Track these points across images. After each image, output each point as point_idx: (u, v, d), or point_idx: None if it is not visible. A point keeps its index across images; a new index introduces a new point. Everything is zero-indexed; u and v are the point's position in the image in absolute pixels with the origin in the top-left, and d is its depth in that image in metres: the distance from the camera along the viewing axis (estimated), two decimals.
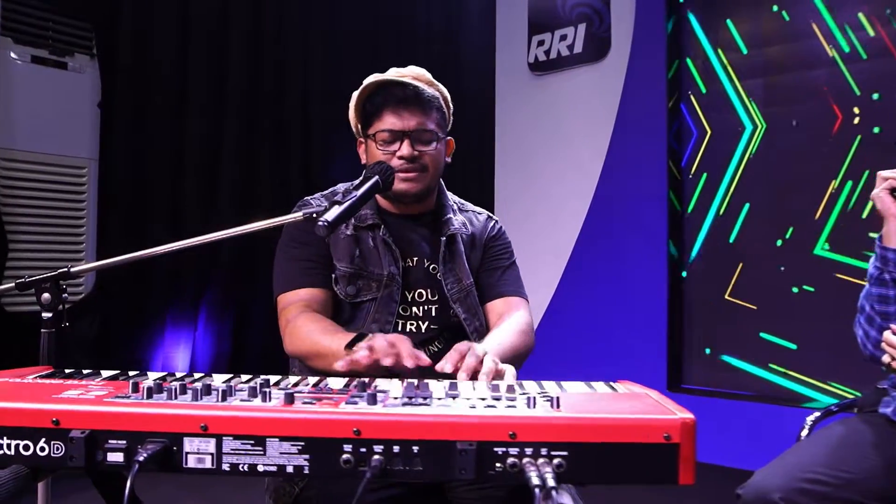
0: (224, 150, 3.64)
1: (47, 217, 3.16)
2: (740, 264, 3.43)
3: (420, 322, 1.47)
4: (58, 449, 0.78)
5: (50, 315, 1.19)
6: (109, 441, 0.77)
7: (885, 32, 2.99)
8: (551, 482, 0.69)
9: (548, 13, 4.11)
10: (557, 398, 0.80)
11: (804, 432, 1.45)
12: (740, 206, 3.43)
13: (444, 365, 1.10)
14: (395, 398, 0.83)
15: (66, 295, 1.22)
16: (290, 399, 0.80)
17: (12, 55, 3.06)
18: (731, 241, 3.46)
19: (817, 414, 1.49)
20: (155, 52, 3.39)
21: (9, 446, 0.78)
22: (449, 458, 0.76)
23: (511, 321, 1.45)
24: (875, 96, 3.01)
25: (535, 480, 0.70)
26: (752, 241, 3.39)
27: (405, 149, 1.42)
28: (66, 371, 1.03)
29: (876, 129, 3.00)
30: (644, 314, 3.63)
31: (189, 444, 0.77)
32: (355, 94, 1.48)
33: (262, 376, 0.98)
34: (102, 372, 1.03)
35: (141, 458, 0.73)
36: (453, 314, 1.49)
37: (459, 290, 1.50)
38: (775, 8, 3.33)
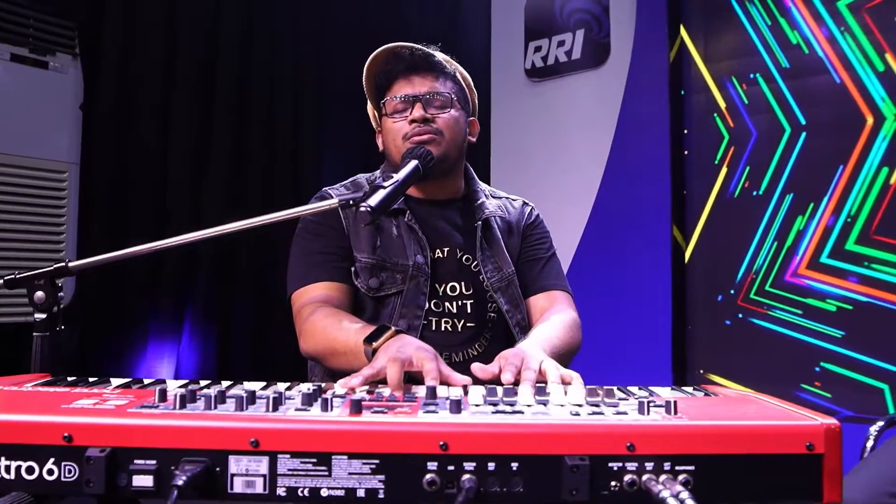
0: (210, 154, 3.49)
1: (25, 223, 2.98)
2: (750, 274, 3.35)
3: (455, 320, 1.32)
4: (70, 471, 0.63)
5: (44, 316, 1.04)
6: (136, 461, 0.62)
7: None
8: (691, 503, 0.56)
9: (545, 19, 4.04)
10: (675, 402, 0.68)
11: (869, 443, 1.33)
12: (751, 212, 3.35)
13: (506, 377, 0.95)
14: (477, 405, 0.70)
15: (62, 294, 1.07)
16: (357, 407, 0.66)
17: None
18: (736, 244, 3.39)
19: (881, 424, 1.38)
20: (140, 53, 3.25)
21: (8, 469, 0.63)
22: (556, 477, 0.62)
23: (557, 316, 1.32)
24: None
25: (672, 502, 0.57)
26: (766, 252, 3.32)
27: (417, 111, 1.31)
28: (69, 378, 0.87)
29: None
30: (647, 317, 3.54)
31: (235, 464, 0.62)
32: (365, 69, 1.36)
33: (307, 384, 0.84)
34: (113, 379, 0.88)
35: (180, 483, 0.58)
36: (492, 308, 1.35)
37: (500, 278, 1.36)
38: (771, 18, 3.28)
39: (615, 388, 0.86)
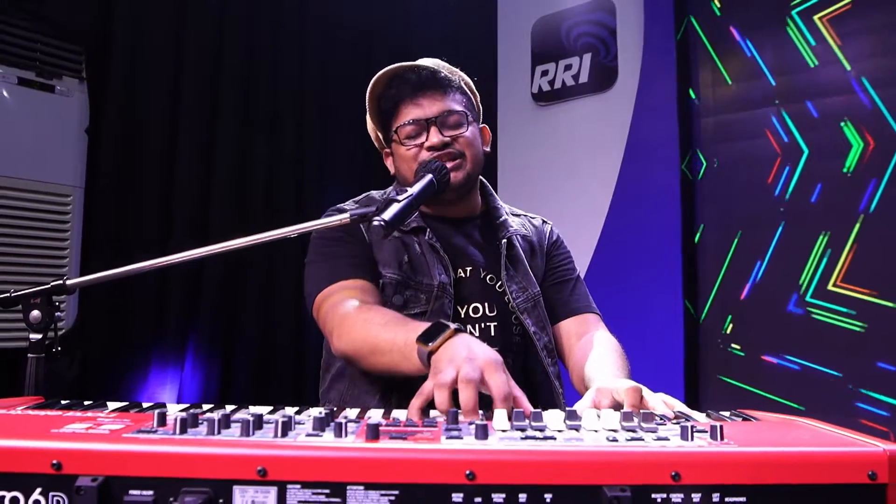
0: (214, 180, 3.47)
1: (28, 247, 2.94)
2: (761, 304, 3.29)
3: None
4: (59, 503, 0.57)
5: (39, 337, 0.99)
6: (131, 491, 0.56)
7: None
8: None
9: (552, 42, 4.04)
10: (721, 427, 0.62)
11: None
12: (763, 240, 3.30)
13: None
14: (504, 430, 0.64)
15: (60, 313, 1.02)
16: (373, 433, 0.60)
17: None
18: (753, 278, 3.33)
19: None
20: (146, 77, 3.24)
21: None
22: None
23: (604, 343, 1.25)
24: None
25: None
26: (775, 273, 3.25)
27: (434, 137, 1.23)
28: (63, 402, 0.82)
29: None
30: (658, 346, 3.46)
31: (241, 496, 0.56)
32: (368, 94, 1.29)
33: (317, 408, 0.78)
34: (110, 403, 0.82)
35: None
36: (517, 331, 1.28)
37: (526, 299, 1.29)
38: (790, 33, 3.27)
39: (651, 411, 0.80)
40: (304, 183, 3.74)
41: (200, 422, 0.63)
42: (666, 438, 0.61)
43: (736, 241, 3.35)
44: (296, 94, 3.74)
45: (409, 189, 1.05)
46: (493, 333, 1.26)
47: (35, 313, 0.99)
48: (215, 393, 3.38)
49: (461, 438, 0.60)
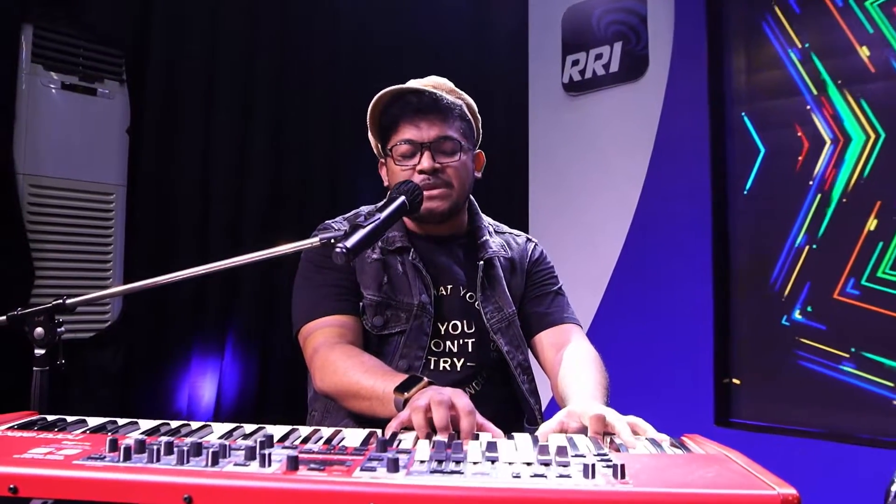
0: (251, 178, 3.58)
1: (75, 244, 3.10)
2: (796, 290, 3.20)
3: (455, 359, 1.30)
4: None
5: (43, 352, 1.08)
6: None
7: None
8: None
9: (582, 32, 3.99)
10: (622, 466, 0.64)
11: None
12: (801, 232, 3.21)
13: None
14: (422, 461, 0.68)
15: (62, 329, 1.11)
16: (293, 464, 0.65)
17: (42, 82, 3.04)
18: (778, 268, 3.25)
19: None
20: (184, 78, 3.36)
21: None
22: None
23: (580, 355, 1.27)
24: None
25: None
26: (810, 264, 3.17)
27: (425, 161, 1.27)
28: (50, 419, 0.90)
29: None
30: (688, 344, 3.42)
31: None
32: (370, 109, 1.34)
33: (272, 428, 0.84)
34: (90, 420, 0.90)
35: None
36: (494, 348, 1.32)
37: (500, 318, 1.33)
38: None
39: (591, 439, 0.83)
40: (337, 182, 3.80)
41: (147, 448, 0.69)
42: (569, 476, 0.64)
43: (771, 233, 3.28)
44: (328, 92, 3.80)
45: (378, 214, 1.10)
46: (470, 350, 1.31)
47: (39, 330, 1.08)
48: (255, 382, 3.51)
49: (374, 471, 0.65)
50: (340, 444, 0.78)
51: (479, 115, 1.43)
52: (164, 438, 0.74)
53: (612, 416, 0.94)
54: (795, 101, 3.21)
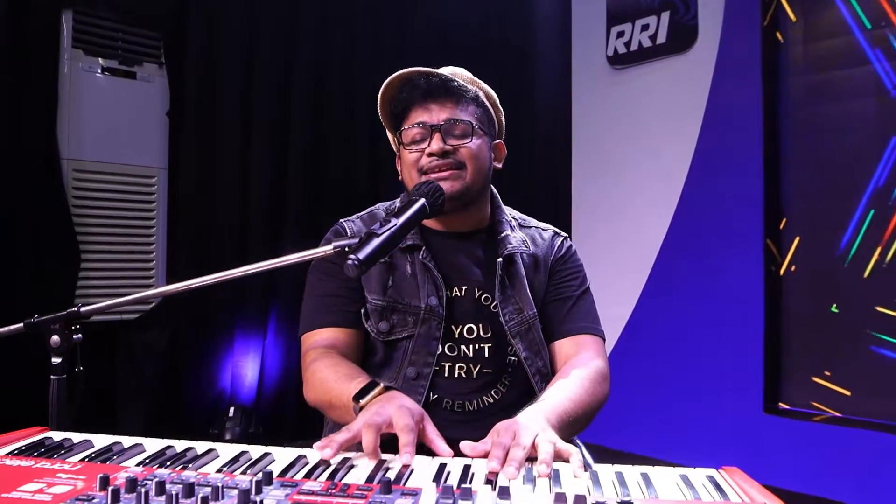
0: (292, 159, 3.58)
1: (118, 227, 3.16)
2: (848, 273, 3.04)
3: (471, 365, 1.23)
4: None
5: (59, 360, 1.08)
6: None
7: None
8: None
9: (628, 2, 3.82)
10: None
11: None
12: (856, 209, 3.03)
13: (491, 464, 0.85)
14: None
15: (78, 336, 1.10)
16: None
17: (83, 67, 3.07)
18: (839, 248, 3.08)
19: None
20: (223, 59, 3.36)
21: None
22: None
23: (578, 371, 1.19)
24: None
25: None
26: (863, 247, 2.99)
27: (435, 143, 1.21)
28: (57, 439, 0.89)
29: None
30: (737, 327, 3.29)
31: None
32: (379, 96, 1.28)
33: (279, 453, 0.81)
34: (96, 439, 0.89)
35: None
36: (512, 352, 1.25)
37: (520, 321, 1.25)
38: None
39: (605, 467, 0.77)
40: (379, 165, 3.75)
41: (137, 487, 0.67)
42: None
43: (825, 209, 3.11)
44: (371, 70, 3.73)
45: (395, 219, 1.04)
46: (486, 355, 1.24)
47: (55, 338, 1.08)
48: (297, 362, 3.55)
49: None
50: (343, 481, 0.74)
51: (500, 107, 1.34)
52: (160, 472, 0.72)
53: (536, 436, 0.90)
54: (861, 71, 3.00)
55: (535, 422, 0.95)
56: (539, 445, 0.87)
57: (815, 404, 3.11)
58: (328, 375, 1.14)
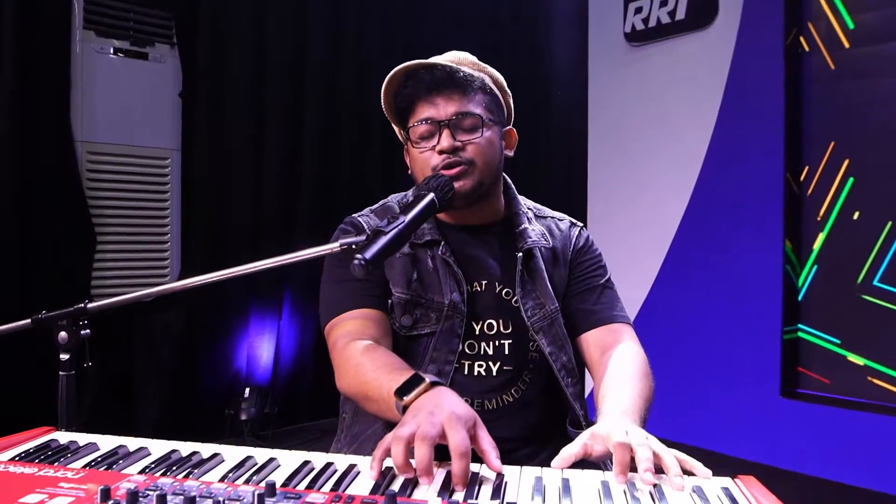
0: (304, 136, 3.57)
1: (133, 208, 3.17)
2: (871, 255, 2.97)
3: (490, 363, 1.20)
4: None
5: (67, 357, 1.08)
6: None
7: None
8: None
9: None
10: None
11: None
12: (883, 193, 2.96)
13: (645, 475, 0.79)
14: None
15: (86, 332, 1.10)
16: None
17: (95, 48, 3.06)
18: (859, 231, 3.01)
19: None
20: (235, 39, 3.34)
21: None
22: None
23: (625, 362, 1.15)
24: None
25: None
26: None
27: (444, 141, 1.16)
28: (63, 441, 0.89)
29: None
30: (755, 311, 3.25)
31: None
32: (383, 90, 1.23)
33: (285, 457, 0.80)
34: (101, 441, 0.89)
35: None
36: (534, 349, 1.22)
37: (542, 316, 1.22)
38: None
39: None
40: (392, 140, 3.72)
41: (142, 495, 0.67)
42: None
43: (845, 193, 3.04)
44: (383, 52, 3.68)
45: (403, 216, 1.01)
46: (507, 352, 1.21)
47: (63, 335, 1.07)
48: (311, 342, 3.57)
49: None
50: (347, 492, 0.73)
51: (508, 91, 1.29)
52: (162, 482, 0.71)
53: (638, 444, 0.84)
54: (890, 47, 2.90)
55: (635, 426, 0.91)
56: (663, 457, 0.82)
57: (832, 388, 3.07)
58: (365, 363, 1.08)
